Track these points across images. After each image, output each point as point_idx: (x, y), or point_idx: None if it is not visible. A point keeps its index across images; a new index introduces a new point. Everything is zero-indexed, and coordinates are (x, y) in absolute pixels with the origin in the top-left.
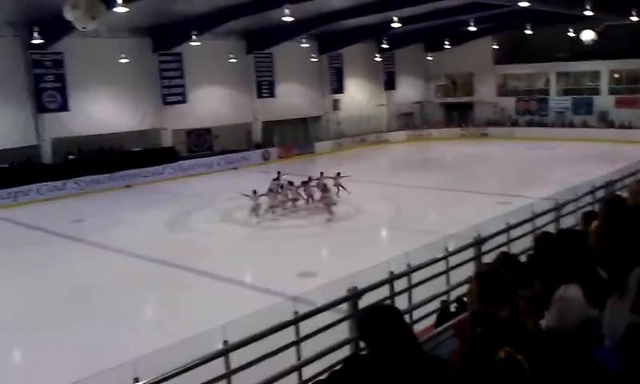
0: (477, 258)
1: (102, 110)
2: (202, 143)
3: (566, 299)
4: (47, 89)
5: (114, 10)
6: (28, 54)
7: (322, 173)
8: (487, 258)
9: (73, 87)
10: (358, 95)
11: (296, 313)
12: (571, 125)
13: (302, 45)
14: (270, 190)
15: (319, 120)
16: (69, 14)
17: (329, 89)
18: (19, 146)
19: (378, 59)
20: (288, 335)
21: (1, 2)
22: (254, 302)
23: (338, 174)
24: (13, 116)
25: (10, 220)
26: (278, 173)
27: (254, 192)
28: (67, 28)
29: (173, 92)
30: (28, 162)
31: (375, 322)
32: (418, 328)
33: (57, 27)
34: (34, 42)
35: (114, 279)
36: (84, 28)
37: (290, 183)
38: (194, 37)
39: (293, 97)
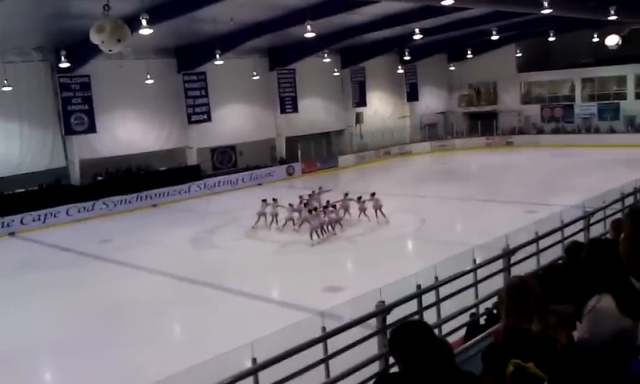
0: (506, 269)
1: (129, 131)
2: (226, 160)
3: (599, 310)
4: (74, 111)
5: (139, 31)
6: (56, 77)
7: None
8: (517, 269)
9: (99, 109)
10: (380, 108)
11: (324, 328)
12: (597, 131)
13: (324, 60)
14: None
15: (342, 134)
16: (95, 38)
17: (351, 102)
18: (48, 169)
19: (400, 71)
20: (316, 350)
21: (30, 27)
22: (281, 318)
23: (373, 194)
24: (41, 139)
25: (40, 242)
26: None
27: (275, 200)
28: (93, 51)
29: (197, 111)
30: (57, 184)
31: (406, 339)
32: None
33: (83, 51)
34: (62, 65)
35: (141, 298)
36: (110, 51)
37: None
38: (217, 56)
39: (315, 112)
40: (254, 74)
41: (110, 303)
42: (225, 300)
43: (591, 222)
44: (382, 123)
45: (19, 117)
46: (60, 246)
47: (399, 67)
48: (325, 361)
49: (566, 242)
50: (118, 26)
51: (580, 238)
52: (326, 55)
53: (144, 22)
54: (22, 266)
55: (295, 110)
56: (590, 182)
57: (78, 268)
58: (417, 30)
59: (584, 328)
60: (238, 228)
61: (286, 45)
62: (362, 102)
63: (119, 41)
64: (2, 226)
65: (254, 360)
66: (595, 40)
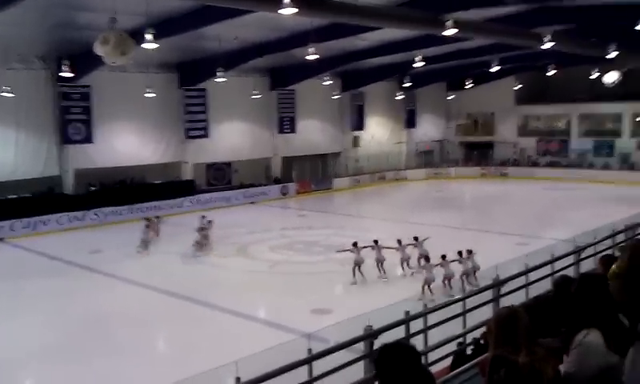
0: (495, 299)
1: (126, 143)
2: (221, 177)
3: (586, 344)
4: (73, 121)
5: (143, 45)
6: (56, 86)
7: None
8: (506, 300)
9: (98, 120)
10: (378, 132)
11: (310, 350)
12: (592, 166)
13: (325, 82)
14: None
15: (338, 156)
16: (99, 49)
17: (349, 125)
18: (41, 176)
19: (400, 97)
20: (301, 372)
21: (34, 36)
22: (267, 338)
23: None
24: (36, 146)
25: (29, 249)
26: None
27: (355, 244)
28: (96, 62)
29: (195, 126)
30: (49, 192)
31: (392, 360)
32: (433, 370)
33: (86, 61)
34: (63, 74)
35: (128, 311)
36: (113, 63)
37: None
38: (219, 73)
39: (313, 133)
40: (254, 92)
41: (97, 314)
42: (211, 317)
43: (581, 256)
44: (379, 148)
45: (16, 123)
46: (48, 254)
47: (398, 93)
48: (309, 383)
49: (556, 275)
50: (122, 39)
51: (570, 272)
52: (326, 78)
53: (149, 37)
54: (9, 273)
55: (293, 130)
56: (582, 217)
57: (66, 277)
58: (418, 58)
59: (571, 362)
60: (228, 245)
61: (288, 66)
62: (359, 125)
63: (123, 54)
64: None
65: (238, 379)
66: (593, 77)
